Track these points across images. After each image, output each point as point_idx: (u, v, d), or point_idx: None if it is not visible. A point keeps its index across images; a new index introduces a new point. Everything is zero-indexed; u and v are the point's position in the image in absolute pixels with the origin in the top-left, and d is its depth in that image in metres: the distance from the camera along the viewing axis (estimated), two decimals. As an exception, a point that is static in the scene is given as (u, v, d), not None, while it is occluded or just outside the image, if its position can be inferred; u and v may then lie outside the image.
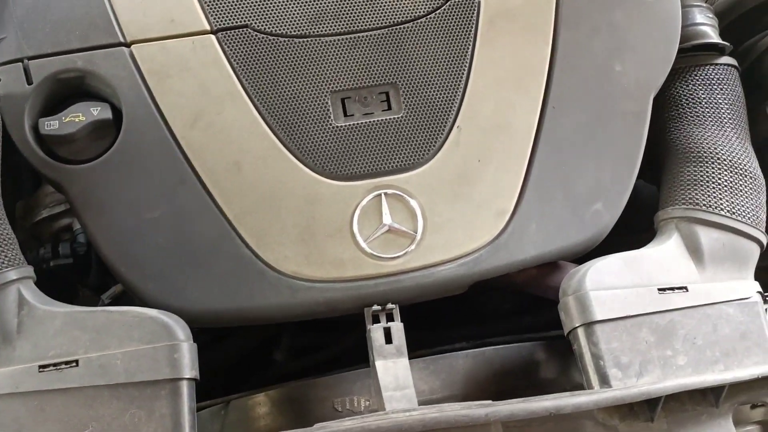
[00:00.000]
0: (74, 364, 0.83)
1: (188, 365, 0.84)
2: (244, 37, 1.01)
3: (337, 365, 1.09)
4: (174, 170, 0.97)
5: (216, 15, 1.01)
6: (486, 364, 1.04)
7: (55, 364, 0.83)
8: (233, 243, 0.95)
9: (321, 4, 1.02)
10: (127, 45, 1.00)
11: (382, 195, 0.97)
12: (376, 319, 0.95)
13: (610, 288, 0.90)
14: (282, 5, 1.02)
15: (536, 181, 1.00)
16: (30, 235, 1.10)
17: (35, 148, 0.96)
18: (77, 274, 1.11)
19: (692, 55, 1.11)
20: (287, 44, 1.01)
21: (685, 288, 0.92)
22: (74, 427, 0.82)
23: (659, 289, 0.91)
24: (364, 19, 1.03)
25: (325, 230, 0.96)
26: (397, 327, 0.94)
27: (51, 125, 0.96)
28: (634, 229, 1.07)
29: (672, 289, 0.92)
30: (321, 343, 1.32)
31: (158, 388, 0.82)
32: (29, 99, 0.97)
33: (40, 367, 0.83)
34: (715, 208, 1.00)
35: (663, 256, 0.96)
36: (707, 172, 1.03)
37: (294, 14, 1.02)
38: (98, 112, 0.97)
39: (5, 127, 0.96)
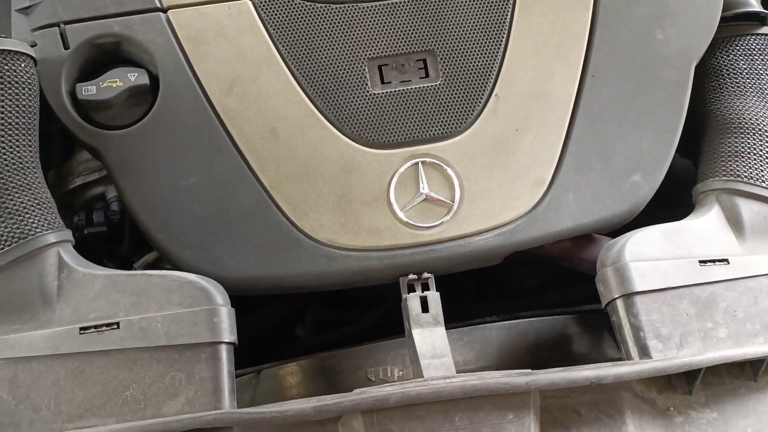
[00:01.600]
0: (115, 326, 0.85)
1: (227, 329, 0.86)
2: (280, 3, 1.02)
3: (359, 342, 1.10)
4: (210, 137, 0.98)
5: (252, -20, 1.02)
6: (519, 336, 1.05)
7: (96, 327, 0.85)
8: (269, 211, 0.97)
9: None
10: (164, 10, 1.01)
11: (419, 163, 0.98)
12: (411, 289, 0.97)
13: (649, 259, 0.91)
14: None
15: (574, 151, 1.00)
16: (62, 204, 1.11)
17: (72, 113, 0.98)
18: (109, 243, 1.13)
19: (733, 24, 1.10)
20: (324, 10, 1.02)
21: (726, 260, 0.93)
22: (115, 389, 0.84)
23: (700, 261, 0.92)
24: (402, -16, 1.03)
25: (361, 198, 0.97)
26: (434, 296, 0.95)
27: (88, 90, 0.98)
28: (668, 203, 1.07)
29: (713, 261, 0.92)
30: (342, 319, 1.34)
31: (198, 351, 0.84)
32: (66, 64, 0.99)
33: (81, 329, 0.85)
34: (757, 179, 1.00)
35: (703, 228, 0.96)
36: (748, 143, 1.03)
37: (330, -21, 1.03)
38: (135, 78, 0.99)
39: (42, 92, 0.98)
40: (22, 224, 0.88)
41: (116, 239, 1.13)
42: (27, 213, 0.89)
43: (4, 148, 0.89)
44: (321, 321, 1.34)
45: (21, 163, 0.91)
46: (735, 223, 0.97)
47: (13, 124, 0.90)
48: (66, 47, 0.99)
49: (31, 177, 0.91)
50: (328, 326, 1.33)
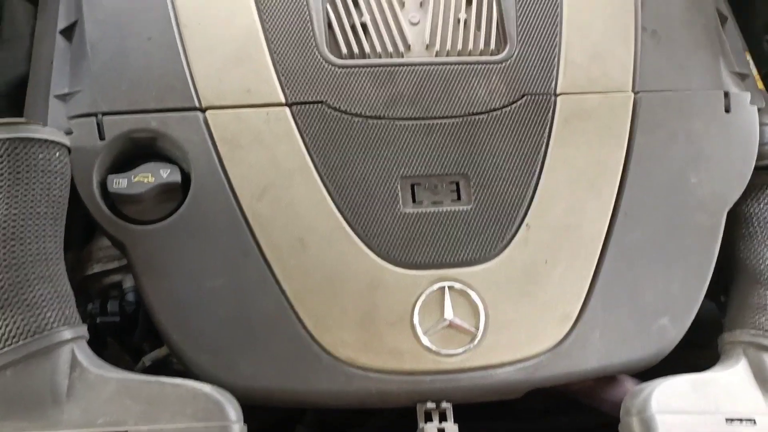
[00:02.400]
0: (123, 435, 0.83)
1: None
2: (318, 113, 1.03)
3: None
4: (238, 241, 0.97)
5: (292, 88, 1.04)
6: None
7: None
8: (290, 322, 0.95)
9: (398, 87, 1.05)
10: (202, 110, 1.02)
11: (446, 288, 0.97)
12: (428, 417, 0.94)
13: (676, 412, 0.89)
14: (359, 85, 1.04)
15: (603, 288, 1.00)
16: (77, 288, 1.10)
17: (101, 205, 0.97)
18: (119, 332, 1.11)
19: (766, 173, 1.11)
20: (361, 124, 1.03)
21: (753, 420, 0.91)
22: None
23: (727, 419, 0.90)
24: (440, 106, 1.05)
25: (385, 318, 0.96)
26: (452, 429, 0.92)
27: (120, 183, 0.98)
28: (690, 344, 1.06)
29: (740, 420, 0.91)
30: (346, 422, 1.30)
31: None
32: (100, 155, 0.99)
33: None
34: (785, 337, 0.99)
35: (730, 382, 0.95)
36: (778, 297, 1.03)
37: (370, 95, 1.04)
38: (167, 174, 0.99)
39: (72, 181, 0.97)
40: (39, 317, 0.86)
41: (127, 328, 1.11)
42: (45, 306, 0.87)
43: (30, 238, 0.88)
44: (324, 421, 1.30)
45: (45, 254, 0.90)
46: (762, 381, 0.96)
47: (41, 213, 0.90)
48: (102, 138, 0.99)
49: (53, 268, 0.90)
50: (331, 428, 1.29)
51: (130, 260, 0.97)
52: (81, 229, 1.16)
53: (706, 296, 1.12)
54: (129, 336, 1.12)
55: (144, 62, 1.04)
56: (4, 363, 0.85)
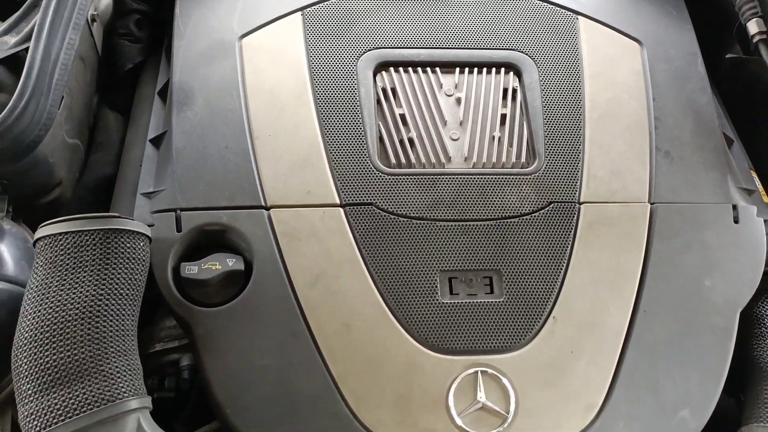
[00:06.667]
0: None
1: None
2: (368, 213, 1.05)
3: None
4: (289, 324, 0.97)
5: (346, 191, 1.06)
6: None
7: None
8: (334, 400, 0.94)
9: (439, 193, 1.06)
10: (267, 208, 1.04)
11: (479, 373, 0.95)
12: (460, 494, 0.90)
13: None
14: (405, 190, 1.06)
15: (625, 381, 0.97)
16: None
17: (173, 289, 0.99)
18: (172, 407, 1.09)
19: (775, 279, 1.09)
20: (406, 224, 1.04)
21: None
22: None
23: None
24: (476, 210, 1.06)
25: (421, 400, 0.94)
26: None
27: (191, 270, 0.99)
28: None
29: None
30: None
31: None
32: (176, 244, 1.01)
33: None
34: (799, 429, 0.94)
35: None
36: (790, 392, 0.98)
37: (414, 199, 1.06)
38: (233, 263, 1.00)
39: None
40: (113, 387, 0.86)
41: (178, 405, 1.09)
42: (119, 378, 0.87)
43: (112, 316, 0.89)
44: None
45: (122, 330, 0.90)
46: None
47: (123, 294, 0.91)
48: (179, 230, 1.02)
49: (128, 344, 0.90)
50: None
51: (192, 339, 0.98)
52: (145, 310, 1.17)
53: (726, 393, 1.07)
54: (179, 409, 1.10)
55: (220, 167, 1.07)
56: (78, 427, 0.83)
